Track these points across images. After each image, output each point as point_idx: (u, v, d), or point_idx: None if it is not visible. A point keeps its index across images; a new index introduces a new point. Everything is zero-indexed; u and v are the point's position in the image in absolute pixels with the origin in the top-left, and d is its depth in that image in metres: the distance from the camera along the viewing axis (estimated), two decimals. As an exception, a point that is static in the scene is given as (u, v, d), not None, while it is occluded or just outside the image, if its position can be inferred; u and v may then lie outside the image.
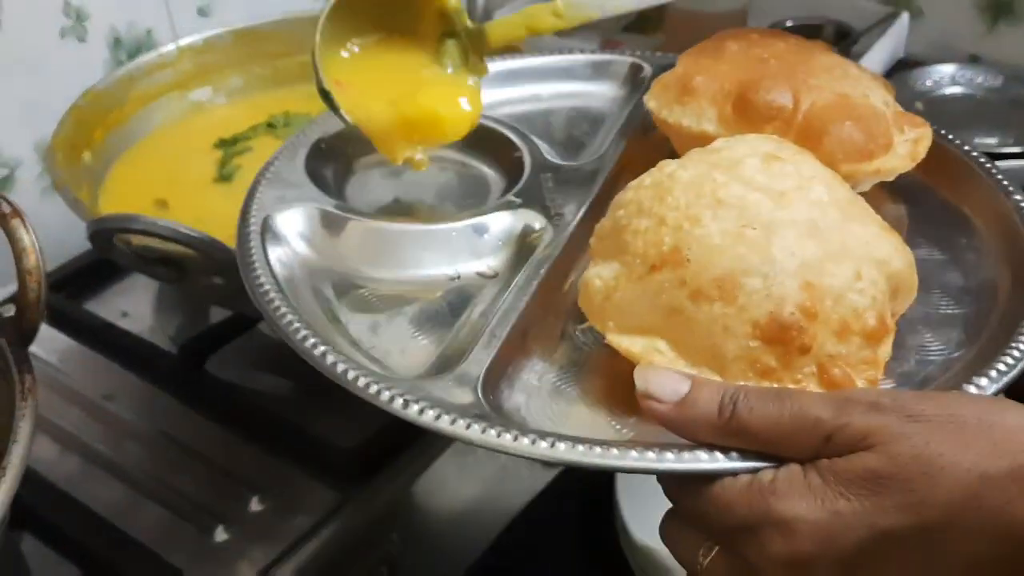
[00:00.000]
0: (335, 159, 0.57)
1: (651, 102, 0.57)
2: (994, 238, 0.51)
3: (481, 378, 0.39)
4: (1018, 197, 0.51)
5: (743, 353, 0.38)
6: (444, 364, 0.42)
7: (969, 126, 0.90)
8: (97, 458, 0.63)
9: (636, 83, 0.67)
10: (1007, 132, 0.89)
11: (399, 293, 0.48)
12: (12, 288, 0.55)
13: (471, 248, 0.50)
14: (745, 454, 0.34)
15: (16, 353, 0.49)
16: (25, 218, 0.51)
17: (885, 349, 0.40)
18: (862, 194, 0.52)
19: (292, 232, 0.50)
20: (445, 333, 0.45)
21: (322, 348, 0.40)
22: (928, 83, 0.99)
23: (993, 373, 0.38)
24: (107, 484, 0.61)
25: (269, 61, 0.86)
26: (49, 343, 0.70)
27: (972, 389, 0.38)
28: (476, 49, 0.54)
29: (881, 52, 1.03)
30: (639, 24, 1.16)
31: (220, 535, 0.57)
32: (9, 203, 0.51)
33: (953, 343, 0.44)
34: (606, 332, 0.40)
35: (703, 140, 0.54)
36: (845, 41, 1.04)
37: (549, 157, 0.57)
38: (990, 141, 0.88)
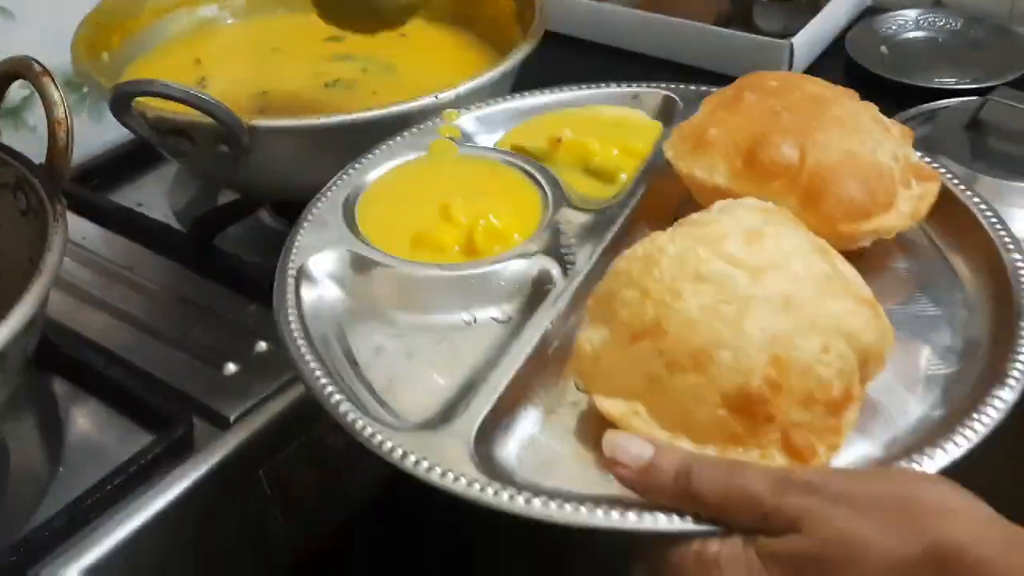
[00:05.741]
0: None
1: (669, 151, 0.60)
2: (987, 295, 0.52)
3: (475, 432, 0.43)
4: (1016, 256, 0.52)
5: (712, 421, 0.41)
6: (448, 412, 0.46)
7: (931, 67, 0.98)
8: (120, 314, 0.71)
9: (668, 116, 0.70)
10: (966, 71, 0.97)
11: (417, 335, 0.52)
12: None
13: (487, 294, 0.54)
14: (699, 519, 0.38)
15: (47, 188, 0.57)
16: (53, 76, 0.58)
17: (851, 416, 0.43)
18: (866, 249, 0.55)
19: (324, 275, 0.55)
20: (454, 377, 0.49)
21: (338, 397, 0.45)
22: (893, 27, 1.07)
23: (939, 452, 0.41)
24: (130, 334, 0.69)
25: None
26: (74, 227, 0.78)
27: (915, 465, 0.40)
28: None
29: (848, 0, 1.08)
30: None
31: (229, 369, 0.65)
32: (40, 64, 0.59)
33: (929, 404, 0.47)
34: (593, 393, 0.44)
35: (715, 191, 0.57)
36: (816, -12, 1.09)
37: (568, 201, 0.60)
38: (949, 80, 0.96)
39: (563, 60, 0.82)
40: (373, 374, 0.49)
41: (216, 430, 0.61)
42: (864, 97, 0.60)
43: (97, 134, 0.81)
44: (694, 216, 0.49)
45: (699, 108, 0.63)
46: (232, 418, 0.62)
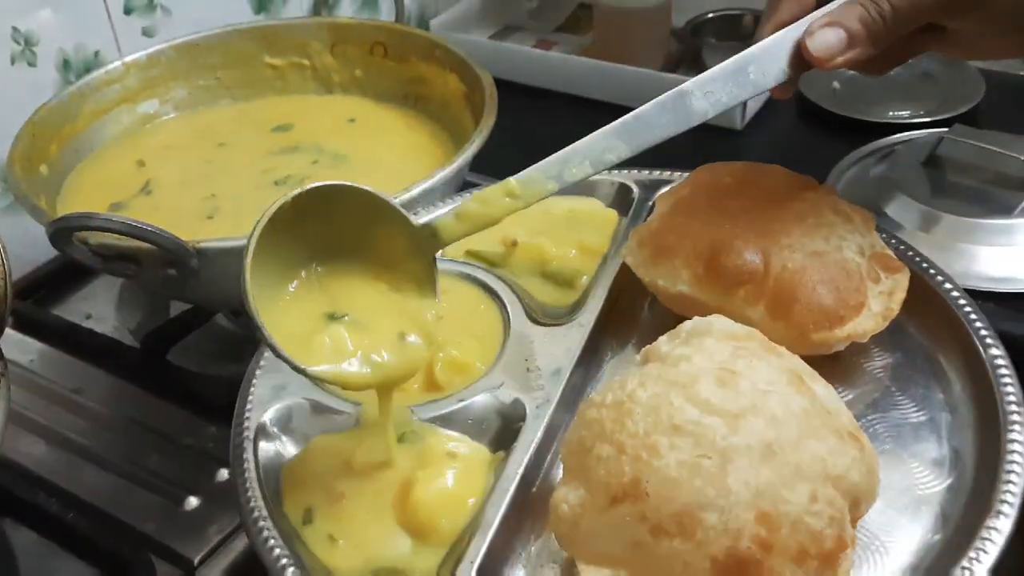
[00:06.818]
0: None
1: (628, 257, 0.58)
2: (968, 393, 0.51)
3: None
4: (995, 352, 0.51)
5: (703, 587, 0.39)
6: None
7: (884, 101, 0.98)
8: (71, 446, 0.67)
9: (624, 203, 0.68)
10: (919, 104, 0.97)
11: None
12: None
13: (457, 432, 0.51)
14: None
15: None
16: None
17: (846, 565, 0.41)
18: (840, 353, 0.53)
19: (282, 430, 0.52)
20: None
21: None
22: None
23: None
24: (82, 468, 0.65)
25: (210, 72, 0.92)
26: (19, 346, 0.74)
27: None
28: (427, 251, 0.50)
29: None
30: (570, 25, 1.22)
31: (190, 503, 0.62)
32: None
33: (925, 528, 0.45)
34: (577, 560, 0.42)
35: (680, 299, 0.55)
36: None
37: (529, 315, 0.58)
38: (903, 113, 0.96)
39: (514, 109, 0.78)
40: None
41: (180, 573, 0.58)
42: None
43: (40, 236, 0.69)
44: (663, 347, 0.47)
45: (654, 202, 0.62)
46: (196, 560, 0.58)
